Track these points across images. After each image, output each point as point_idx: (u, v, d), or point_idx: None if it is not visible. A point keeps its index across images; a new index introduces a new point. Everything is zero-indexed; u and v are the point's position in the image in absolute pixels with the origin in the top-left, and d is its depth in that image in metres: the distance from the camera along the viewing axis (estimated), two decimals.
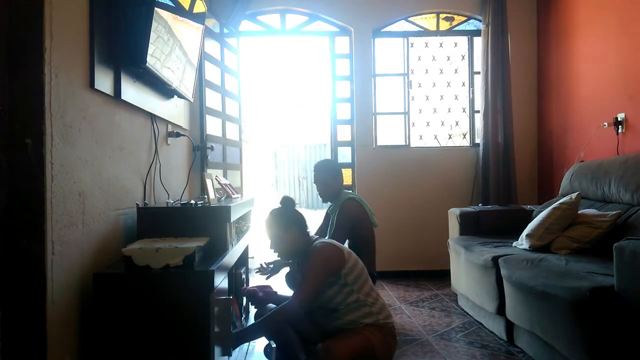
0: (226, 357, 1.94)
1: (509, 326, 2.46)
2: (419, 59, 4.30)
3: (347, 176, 4.31)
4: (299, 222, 1.99)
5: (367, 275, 1.95)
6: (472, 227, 3.25)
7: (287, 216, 1.99)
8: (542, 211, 2.79)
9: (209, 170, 3.34)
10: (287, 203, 2.05)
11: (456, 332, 2.69)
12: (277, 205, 2.06)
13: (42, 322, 1.45)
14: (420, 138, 4.32)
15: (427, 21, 4.32)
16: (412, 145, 4.27)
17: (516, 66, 4.16)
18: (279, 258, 2.18)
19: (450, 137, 4.35)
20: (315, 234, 2.52)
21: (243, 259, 2.79)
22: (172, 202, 2.31)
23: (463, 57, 4.32)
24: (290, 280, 2.48)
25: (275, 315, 1.84)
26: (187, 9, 2.48)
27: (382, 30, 4.27)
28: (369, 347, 1.78)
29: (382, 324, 1.87)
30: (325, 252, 1.89)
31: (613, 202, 2.69)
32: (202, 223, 2.03)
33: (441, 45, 4.31)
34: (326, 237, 2.56)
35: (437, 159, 4.19)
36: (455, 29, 4.32)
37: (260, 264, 2.57)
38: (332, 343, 1.73)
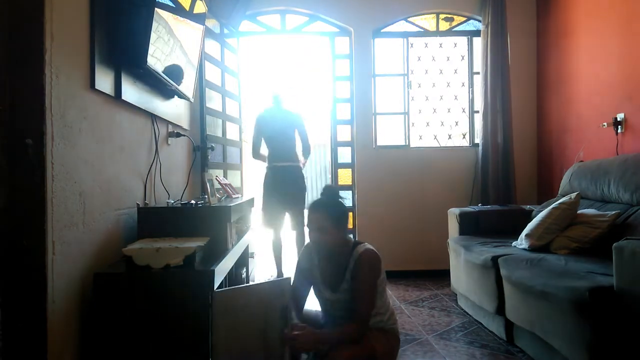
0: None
1: (509, 326, 2.46)
2: (419, 59, 4.31)
3: (347, 176, 4.32)
4: (347, 214, 1.89)
5: (386, 285, 1.92)
6: (471, 227, 3.26)
7: (338, 211, 1.84)
8: (541, 211, 2.79)
9: (209, 170, 3.34)
10: (334, 195, 1.88)
11: (456, 331, 2.70)
12: (325, 196, 1.88)
13: (43, 322, 1.45)
14: (420, 138, 4.32)
15: (427, 21, 4.33)
16: (411, 146, 4.28)
17: (516, 66, 4.16)
18: (314, 249, 1.94)
19: (450, 137, 4.35)
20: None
21: (243, 259, 2.80)
22: (172, 202, 2.31)
23: (462, 57, 4.33)
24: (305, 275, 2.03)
25: (341, 338, 1.72)
26: (187, 9, 2.48)
27: (382, 30, 4.28)
28: (370, 349, 1.78)
29: (387, 329, 1.88)
30: (376, 260, 1.82)
31: (612, 202, 2.70)
32: (202, 223, 2.04)
33: (441, 46, 4.31)
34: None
35: (437, 159, 4.19)
36: (455, 29, 4.32)
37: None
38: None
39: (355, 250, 1.84)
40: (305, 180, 3.81)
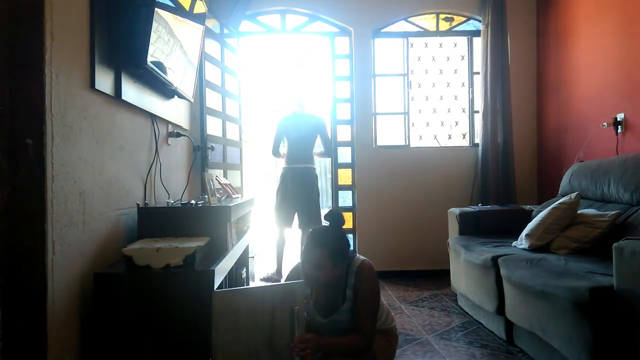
0: None
1: (509, 326, 2.46)
2: (419, 59, 4.31)
3: (347, 176, 4.32)
4: (348, 250, 1.78)
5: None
6: (471, 227, 3.26)
7: (340, 249, 1.74)
8: (541, 211, 2.80)
9: (209, 170, 3.34)
10: (339, 225, 1.78)
11: (456, 331, 2.70)
12: (326, 223, 1.78)
13: (43, 322, 1.45)
14: (420, 138, 4.32)
15: (427, 21, 4.33)
16: (411, 146, 4.28)
17: (516, 66, 4.16)
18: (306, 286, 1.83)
19: (449, 137, 4.35)
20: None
21: (243, 259, 2.80)
22: (172, 202, 2.31)
23: (462, 57, 4.33)
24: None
25: (348, 347, 1.70)
26: (187, 9, 2.48)
27: (382, 30, 4.28)
28: (372, 355, 1.77)
29: (386, 329, 1.88)
30: (374, 272, 1.78)
31: (612, 202, 2.70)
32: (202, 223, 2.03)
33: (441, 46, 4.31)
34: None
35: (437, 159, 4.19)
36: (455, 29, 4.32)
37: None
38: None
39: (352, 265, 1.79)
40: (319, 182, 3.96)
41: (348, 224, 4.20)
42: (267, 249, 4.80)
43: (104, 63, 1.82)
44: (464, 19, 4.31)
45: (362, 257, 1.83)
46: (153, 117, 2.42)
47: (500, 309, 2.43)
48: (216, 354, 1.57)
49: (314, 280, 1.75)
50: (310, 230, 1.79)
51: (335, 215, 1.81)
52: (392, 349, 1.90)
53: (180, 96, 2.58)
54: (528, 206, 3.39)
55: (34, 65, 1.44)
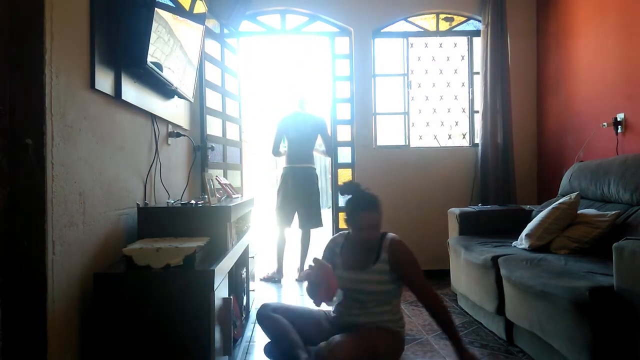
0: (226, 356, 1.94)
1: (509, 326, 2.46)
2: (419, 59, 4.31)
3: (347, 176, 4.32)
4: None
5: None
6: (471, 227, 3.26)
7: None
8: (541, 211, 2.79)
9: (209, 170, 3.34)
10: (361, 190, 2.04)
11: None
12: (366, 194, 2.01)
13: (43, 322, 1.45)
14: (420, 138, 4.32)
15: (427, 21, 4.33)
16: (411, 146, 4.28)
17: (515, 66, 4.16)
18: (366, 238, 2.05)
19: (449, 137, 4.35)
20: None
21: (243, 259, 2.80)
22: (172, 202, 2.31)
23: (462, 57, 4.33)
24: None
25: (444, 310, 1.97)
26: (187, 9, 2.49)
27: (382, 30, 4.28)
28: (372, 350, 1.78)
29: (393, 330, 1.89)
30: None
31: (612, 202, 2.70)
32: (202, 223, 2.04)
33: (441, 46, 4.31)
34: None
35: (437, 159, 4.19)
36: (455, 29, 4.32)
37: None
38: (334, 343, 1.73)
39: (387, 235, 2.00)
40: (319, 182, 4.02)
41: None
42: (267, 249, 4.80)
43: (104, 63, 1.82)
44: (464, 19, 4.31)
45: (396, 235, 2.04)
46: (153, 117, 2.42)
47: (500, 309, 2.43)
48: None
49: (368, 237, 1.96)
50: (350, 196, 1.98)
51: (354, 185, 2.02)
52: (396, 351, 1.90)
53: (180, 96, 2.59)
54: (528, 206, 3.39)
55: (34, 65, 1.44)
